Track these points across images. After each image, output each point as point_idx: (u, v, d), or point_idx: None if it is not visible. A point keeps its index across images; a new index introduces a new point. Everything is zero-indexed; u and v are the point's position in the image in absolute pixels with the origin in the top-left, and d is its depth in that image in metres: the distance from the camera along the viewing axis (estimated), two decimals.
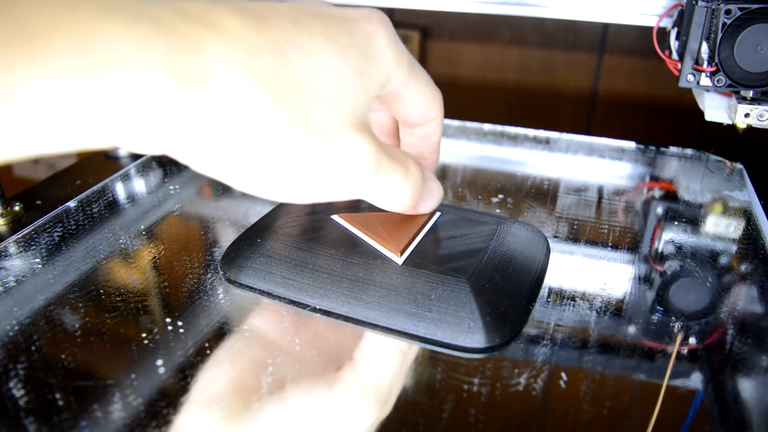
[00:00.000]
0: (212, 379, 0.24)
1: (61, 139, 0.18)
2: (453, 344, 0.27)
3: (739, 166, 0.47)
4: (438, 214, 0.33)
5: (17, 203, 0.37)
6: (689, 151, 0.49)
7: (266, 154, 0.21)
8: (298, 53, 0.21)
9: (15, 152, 0.18)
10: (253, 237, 0.32)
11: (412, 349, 0.27)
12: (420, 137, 0.29)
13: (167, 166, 0.46)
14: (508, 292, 0.29)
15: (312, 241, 0.31)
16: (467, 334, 0.27)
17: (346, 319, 0.28)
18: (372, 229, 0.30)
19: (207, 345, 0.27)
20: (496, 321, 0.27)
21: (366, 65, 0.23)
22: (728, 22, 0.38)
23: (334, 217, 0.32)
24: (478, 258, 0.29)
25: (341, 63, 0.22)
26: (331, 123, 0.21)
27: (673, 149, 0.50)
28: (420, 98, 0.27)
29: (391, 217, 0.31)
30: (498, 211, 0.40)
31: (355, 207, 0.33)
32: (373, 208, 0.31)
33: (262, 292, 0.30)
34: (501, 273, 0.29)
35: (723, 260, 0.35)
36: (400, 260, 0.29)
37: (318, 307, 0.29)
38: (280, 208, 0.35)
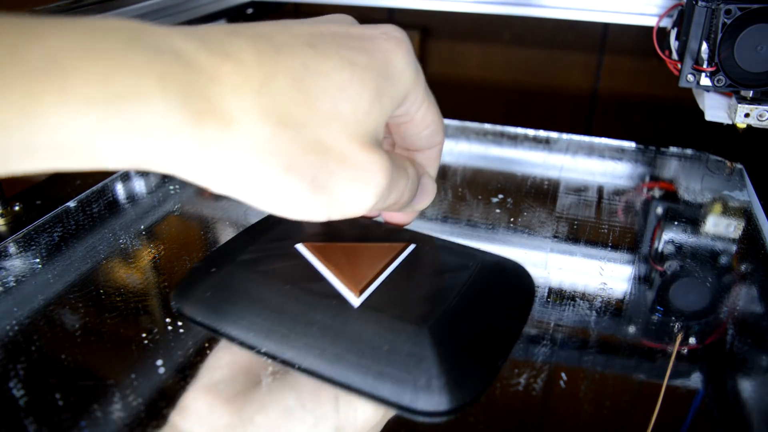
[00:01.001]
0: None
1: (79, 161, 0.18)
2: (400, 405, 0.23)
3: (739, 166, 0.47)
4: (411, 246, 0.30)
5: (17, 203, 0.37)
6: (689, 151, 0.49)
7: (280, 180, 0.21)
8: (314, 77, 0.21)
9: (34, 168, 0.18)
10: (209, 266, 0.29)
11: (356, 405, 0.24)
12: (419, 164, 0.28)
13: None
14: (474, 345, 0.25)
15: (269, 273, 0.28)
16: (418, 394, 0.23)
17: (292, 365, 0.25)
18: (334, 262, 0.28)
19: (207, 345, 0.27)
20: (455, 380, 0.23)
21: (384, 84, 0.23)
22: (728, 22, 0.38)
23: (299, 246, 0.30)
24: (446, 302, 0.26)
25: (359, 84, 0.22)
26: (347, 145, 0.22)
27: (673, 149, 0.50)
28: (432, 119, 0.26)
29: (357, 249, 0.29)
30: (498, 211, 0.40)
31: (325, 233, 0.31)
32: (342, 234, 0.30)
33: (211, 329, 0.27)
34: (469, 321, 0.26)
35: (723, 260, 0.35)
36: (357, 301, 0.26)
37: (263, 351, 0.26)
38: (243, 234, 0.32)
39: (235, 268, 0.28)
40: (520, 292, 0.30)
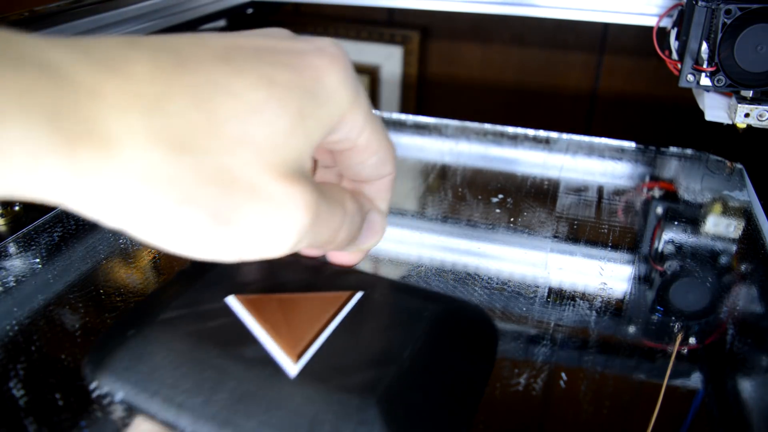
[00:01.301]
0: None
1: None
2: None
3: (739, 166, 0.47)
4: (359, 294, 0.26)
5: (17, 203, 0.37)
6: (689, 151, 0.49)
7: (174, 213, 0.18)
8: (222, 96, 0.18)
9: None
10: (127, 327, 0.25)
11: None
12: (366, 198, 0.26)
13: None
14: (432, 416, 0.22)
15: (193, 337, 0.24)
16: None
17: None
18: (270, 320, 0.24)
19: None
20: None
21: (310, 106, 0.20)
22: (728, 22, 0.38)
23: (230, 299, 0.26)
24: (397, 364, 0.23)
25: (277, 104, 0.19)
26: (259, 175, 0.19)
27: (673, 149, 0.50)
28: (377, 147, 0.24)
29: (296, 302, 0.26)
30: (498, 211, 0.40)
31: (260, 280, 0.27)
32: (280, 280, 0.27)
33: (129, 405, 0.23)
34: (425, 386, 0.23)
35: (723, 260, 0.35)
36: (295, 368, 0.22)
37: None
38: (169, 285, 0.29)
39: (155, 331, 0.25)
40: (482, 340, 0.27)
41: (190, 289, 0.27)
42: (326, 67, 0.21)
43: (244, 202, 0.19)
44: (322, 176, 0.28)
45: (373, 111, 0.23)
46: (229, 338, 0.24)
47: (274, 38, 0.21)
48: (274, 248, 0.20)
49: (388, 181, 0.26)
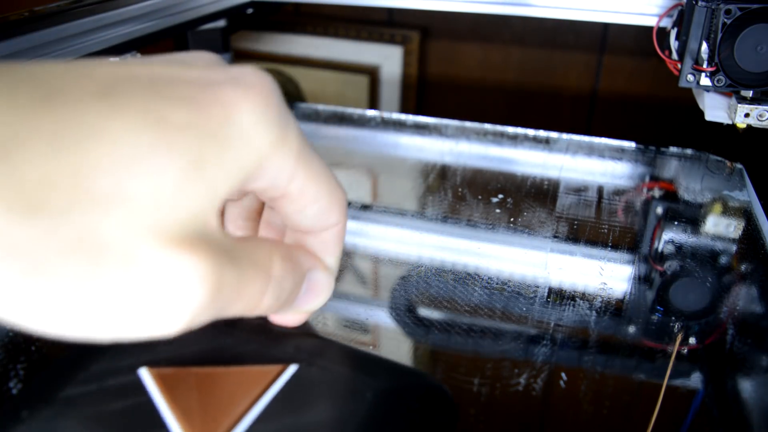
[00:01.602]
0: None
1: None
2: None
3: (739, 166, 0.47)
4: (293, 368, 0.22)
5: None
6: (689, 151, 0.49)
7: (21, 287, 0.14)
8: (92, 141, 0.15)
9: None
10: (21, 406, 0.22)
11: None
12: (314, 247, 0.22)
13: None
14: None
15: (97, 420, 0.20)
16: None
17: None
18: (182, 400, 0.20)
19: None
20: None
21: (214, 150, 0.16)
22: (728, 22, 0.38)
23: (142, 371, 0.22)
24: None
25: (165, 150, 0.15)
26: (137, 240, 0.15)
27: (673, 149, 0.50)
28: (318, 192, 0.20)
29: (217, 378, 0.21)
30: (498, 211, 0.40)
31: (180, 347, 0.23)
32: (205, 347, 0.23)
33: None
34: None
35: (723, 260, 0.35)
36: None
37: None
38: (76, 354, 0.24)
39: (55, 413, 0.21)
40: (438, 423, 0.23)
41: (102, 356, 0.23)
42: (240, 101, 0.17)
43: (116, 275, 0.15)
44: (266, 224, 0.24)
45: (311, 151, 0.20)
46: (136, 424, 0.20)
47: (182, 66, 0.18)
48: (161, 328, 0.16)
49: (336, 232, 0.22)
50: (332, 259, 0.23)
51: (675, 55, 0.44)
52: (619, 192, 0.44)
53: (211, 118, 0.16)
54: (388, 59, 0.80)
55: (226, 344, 0.24)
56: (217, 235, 0.17)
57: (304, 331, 0.26)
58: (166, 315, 0.16)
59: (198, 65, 0.18)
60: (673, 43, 0.44)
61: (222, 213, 0.23)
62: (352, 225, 0.39)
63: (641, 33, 0.67)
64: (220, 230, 0.17)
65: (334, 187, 0.21)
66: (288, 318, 0.24)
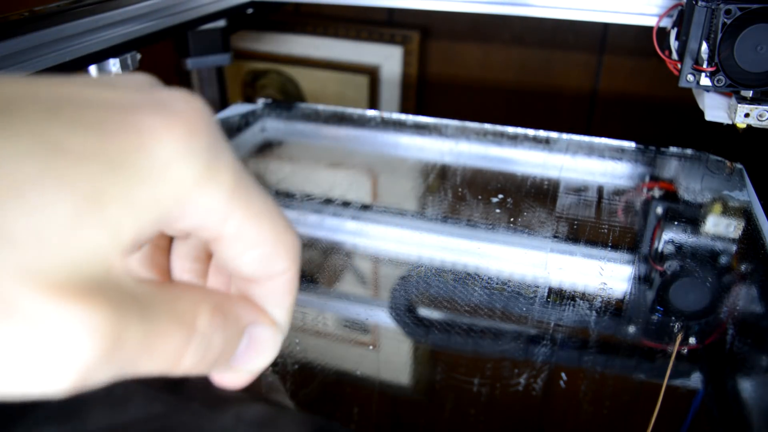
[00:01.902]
0: None
1: None
2: None
3: (739, 166, 0.47)
4: None
5: None
6: (689, 151, 0.49)
7: None
8: None
9: None
10: None
11: None
12: (260, 297, 0.20)
13: None
14: None
15: None
16: None
17: None
18: None
19: None
20: None
21: (119, 184, 0.14)
22: (728, 22, 0.38)
23: None
24: None
25: (55, 182, 0.13)
26: (16, 287, 0.13)
27: (673, 149, 0.50)
28: (255, 239, 0.17)
29: None
30: (498, 211, 0.40)
31: (103, 418, 0.21)
32: (130, 410, 0.21)
33: None
34: None
35: (723, 260, 0.35)
36: None
37: None
38: None
39: None
40: None
41: (22, 422, 0.20)
42: (159, 129, 0.15)
43: None
44: (216, 268, 0.21)
45: (252, 188, 0.17)
46: None
47: (103, 87, 0.16)
48: (47, 387, 0.14)
49: (285, 281, 0.19)
50: (280, 312, 0.19)
51: (675, 55, 0.44)
52: (619, 192, 0.44)
53: (120, 146, 0.14)
54: (388, 59, 0.80)
55: (154, 413, 0.21)
56: (122, 282, 0.15)
57: (252, 394, 0.22)
58: (51, 372, 0.14)
59: (124, 87, 0.16)
60: (673, 43, 0.44)
61: (167, 251, 0.21)
62: (352, 225, 0.39)
63: (641, 33, 0.67)
64: (127, 276, 0.15)
65: (281, 230, 0.18)
66: (229, 378, 0.20)
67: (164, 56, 0.80)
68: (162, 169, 0.15)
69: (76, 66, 0.41)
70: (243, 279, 0.19)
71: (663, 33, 0.48)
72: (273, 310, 0.19)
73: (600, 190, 0.44)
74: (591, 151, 0.50)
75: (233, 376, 0.20)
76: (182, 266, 0.21)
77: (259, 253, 0.18)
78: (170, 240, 0.21)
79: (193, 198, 0.16)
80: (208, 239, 0.17)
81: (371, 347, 0.29)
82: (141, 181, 0.14)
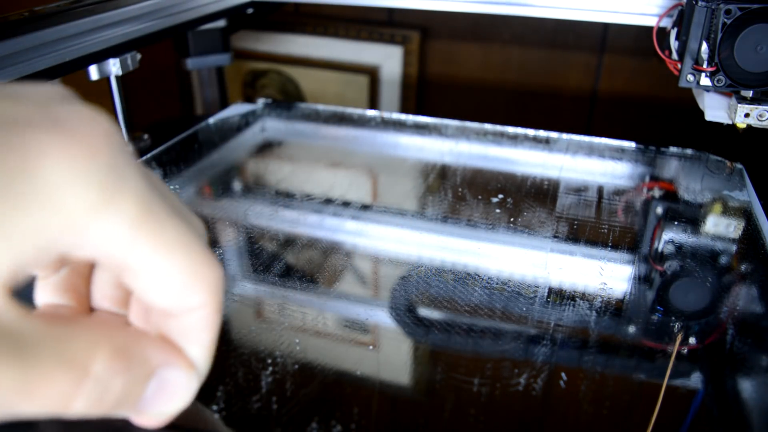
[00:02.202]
0: None
1: None
2: None
3: (739, 166, 0.47)
4: None
5: None
6: (689, 151, 0.49)
7: None
8: None
9: None
10: None
11: None
12: (177, 332, 0.18)
13: (167, 166, 0.46)
14: None
15: None
16: None
17: None
18: None
19: None
20: None
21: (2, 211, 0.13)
22: (728, 22, 0.38)
23: None
24: None
25: None
26: None
27: (673, 149, 0.50)
28: (166, 270, 0.16)
29: None
30: (498, 211, 0.40)
31: None
32: None
33: None
34: None
35: (723, 260, 0.35)
36: None
37: None
38: None
39: None
40: None
41: None
42: (51, 149, 0.13)
43: None
44: (137, 298, 0.19)
45: (164, 216, 0.16)
46: None
47: (1, 98, 0.14)
48: None
49: (202, 316, 0.17)
50: (198, 350, 0.18)
51: (675, 55, 0.44)
52: (619, 192, 0.44)
53: (2, 167, 0.13)
54: (388, 59, 0.80)
55: None
56: (1, 317, 0.14)
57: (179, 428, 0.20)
58: None
59: (26, 100, 0.14)
60: (673, 43, 0.44)
61: (87, 276, 0.19)
62: (352, 225, 0.39)
63: (641, 33, 0.67)
64: (9, 311, 0.14)
65: (197, 261, 0.16)
66: (141, 420, 0.18)
67: (164, 56, 0.80)
68: (50, 194, 0.13)
69: (76, 66, 0.41)
70: (159, 312, 0.17)
71: (663, 33, 0.48)
72: (190, 348, 0.18)
73: (600, 190, 0.44)
74: (591, 151, 0.50)
75: (145, 418, 0.18)
76: (103, 293, 0.19)
77: (170, 286, 0.16)
78: (92, 265, 0.19)
79: (89, 226, 0.14)
80: (114, 269, 0.16)
81: (371, 347, 0.29)
82: (23, 207, 0.13)
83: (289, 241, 0.37)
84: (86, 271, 0.19)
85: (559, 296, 0.31)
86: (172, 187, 0.43)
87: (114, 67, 0.44)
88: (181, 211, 0.17)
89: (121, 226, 0.15)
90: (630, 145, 0.50)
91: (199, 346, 0.18)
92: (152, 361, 0.17)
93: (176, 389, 0.17)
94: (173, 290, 0.16)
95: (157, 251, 0.16)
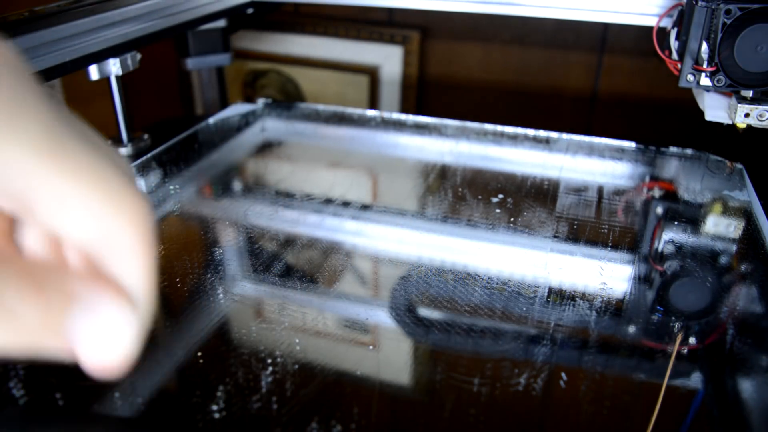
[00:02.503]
0: None
1: None
2: None
3: (739, 166, 0.47)
4: None
5: None
6: (689, 151, 0.49)
7: None
8: None
9: None
10: None
11: None
12: (103, 265, 0.17)
13: (167, 165, 0.46)
14: None
15: None
16: None
17: None
18: None
19: (206, 344, 0.27)
20: None
21: None
22: (728, 22, 0.38)
23: None
24: None
25: None
26: None
27: (673, 149, 0.50)
28: (76, 199, 0.15)
29: None
30: (498, 211, 0.40)
31: None
32: None
33: None
34: None
35: (723, 260, 0.35)
36: None
37: None
38: None
39: None
40: None
41: None
42: None
43: None
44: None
45: (75, 144, 0.15)
46: None
47: None
48: None
49: (125, 246, 0.16)
50: (129, 281, 0.17)
51: (675, 55, 0.44)
52: (619, 192, 0.44)
53: None
54: (388, 59, 0.80)
55: None
56: None
57: None
58: None
59: None
60: (673, 43, 0.44)
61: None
62: (352, 225, 0.39)
63: (641, 33, 0.67)
64: None
65: (109, 189, 0.15)
66: (87, 360, 0.17)
67: (164, 56, 0.80)
68: None
69: (76, 66, 0.41)
70: (82, 248, 0.16)
71: (663, 33, 0.48)
72: (122, 280, 0.16)
73: (600, 190, 0.44)
74: (591, 151, 0.50)
75: (88, 359, 0.16)
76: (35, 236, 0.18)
77: (80, 214, 0.15)
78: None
79: None
80: (24, 201, 0.15)
81: (371, 347, 0.29)
82: None
83: (289, 241, 0.37)
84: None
85: (559, 296, 0.31)
86: (171, 187, 0.43)
87: (114, 67, 0.44)
88: (98, 145, 0.16)
89: (21, 152, 0.14)
90: (630, 145, 0.50)
91: (130, 276, 0.16)
92: (68, 286, 0.16)
93: (109, 320, 0.16)
94: (84, 219, 0.15)
95: (64, 177, 0.15)
